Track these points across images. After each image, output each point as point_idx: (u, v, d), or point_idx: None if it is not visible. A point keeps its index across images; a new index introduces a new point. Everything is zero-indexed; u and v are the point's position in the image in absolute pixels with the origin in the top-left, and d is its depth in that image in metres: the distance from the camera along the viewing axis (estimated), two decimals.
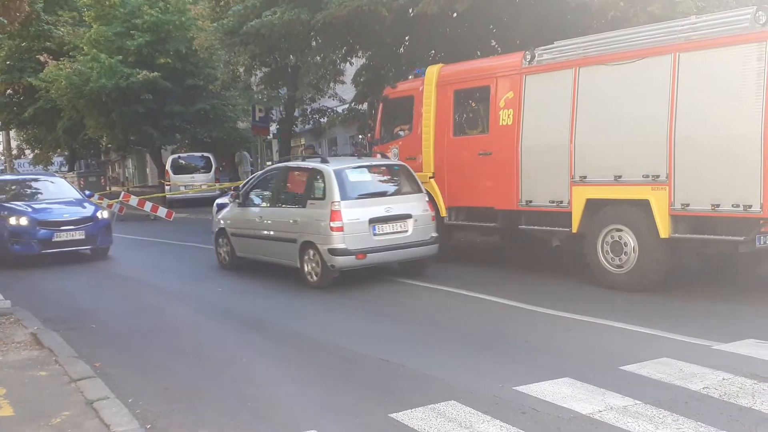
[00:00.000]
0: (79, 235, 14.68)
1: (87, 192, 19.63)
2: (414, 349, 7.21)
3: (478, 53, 16.51)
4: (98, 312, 9.72)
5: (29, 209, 14.81)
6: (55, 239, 14.44)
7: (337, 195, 10.26)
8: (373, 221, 10.30)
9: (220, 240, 12.84)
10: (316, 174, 10.82)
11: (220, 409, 5.71)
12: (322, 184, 10.51)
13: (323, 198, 10.43)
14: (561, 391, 5.71)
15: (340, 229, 10.07)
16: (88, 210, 15.33)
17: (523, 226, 10.95)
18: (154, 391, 6.27)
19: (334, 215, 10.11)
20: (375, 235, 10.32)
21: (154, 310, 9.90)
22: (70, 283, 12.38)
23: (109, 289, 11.86)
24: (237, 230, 12.30)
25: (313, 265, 10.47)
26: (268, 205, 11.89)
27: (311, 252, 10.45)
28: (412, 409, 5.42)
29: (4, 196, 15.62)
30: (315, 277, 10.47)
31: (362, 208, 10.36)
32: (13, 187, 16.53)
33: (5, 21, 11.00)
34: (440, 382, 6.11)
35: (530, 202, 10.64)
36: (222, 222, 12.72)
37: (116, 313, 9.71)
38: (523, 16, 15.00)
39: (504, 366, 6.55)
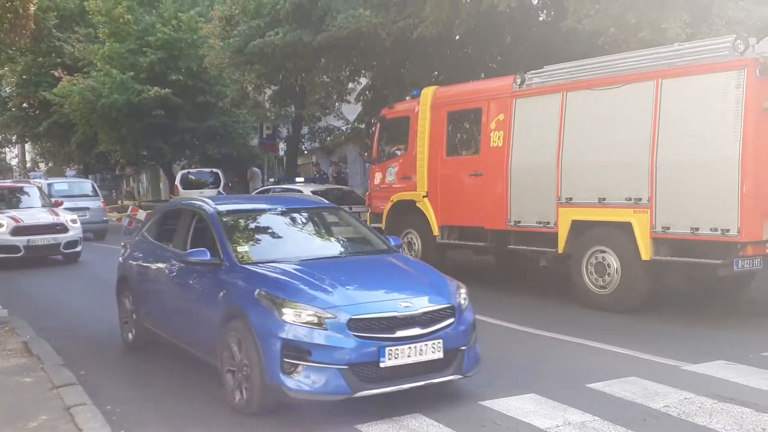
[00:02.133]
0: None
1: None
2: None
3: (482, 75, 16.80)
4: (91, 323, 9.92)
5: None
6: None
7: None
8: None
9: None
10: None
11: (196, 416, 5.90)
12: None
13: None
14: (524, 407, 5.86)
15: None
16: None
17: (512, 246, 11.13)
18: (133, 398, 6.47)
19: None
20: None
21: None
22: (67, 295, 12.63)
23: (105, 300, 12.05)
24: None
25: None
26: None
27: None
28: (377, 422, 5.58)
29: None
30: None
31: None
32: None
33: (12, 38, 11.29)
34: (409, 395, 6.23)
35: (519, 222, 10.81)
36: None
37: (108, 325, 9.90)
38: (522, 40, 15.29)
39: (474, 382, 6.66)
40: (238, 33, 17.29)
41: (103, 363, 7.80)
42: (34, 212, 16.51)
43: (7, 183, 21.34)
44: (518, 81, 10.92)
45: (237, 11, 18.36)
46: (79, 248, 16.43)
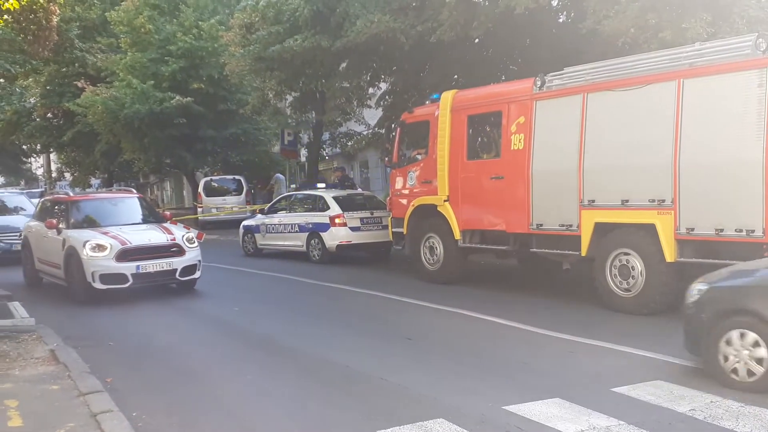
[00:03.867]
0: None
1: None
2: (413, 369, 7.37)
3: (503, 77, 16.77)
4: (116, 330, 10.02)
5: None
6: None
7: None
8: None
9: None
10: None
11: (219, 422, 5.95)
12: None
13: None
14: (548, 411, 5.84)
15: None
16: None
17: (535, 249, 11.09)
18: (158, 405, 6.52)
19: None
20: None
21: (170, 328, 10.20)
22: (91, 302, 12.74)
23: (128, 307, 12.17)
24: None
25: None
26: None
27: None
28: (400, 426, 5.59)
29: None
30: None
31: None
32: None
33: (35, 49, 11.45)
34: (433, 400, 6.27)
35: (541, 225, 10.77)
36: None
37: (133, 331, 10.02)
38: (541, 42, 15.23)
39: (497, 386, 6.68)
40: (258, 39, 17.38)
41: (129, 370, 7.86)
42: (142, 230, 13.05)
43: (104, 193, 17.88)
44: (538, 83, 10.89)
45: (257, 19, 18.44)
46: (197, 274, 12.92)
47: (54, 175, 53.07)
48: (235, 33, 20.24)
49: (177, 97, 26.46)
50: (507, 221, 11.34)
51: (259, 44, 17.25)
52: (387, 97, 20.12)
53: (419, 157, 13.43)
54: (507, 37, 15.50)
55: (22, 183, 50.19)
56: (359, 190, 20.14)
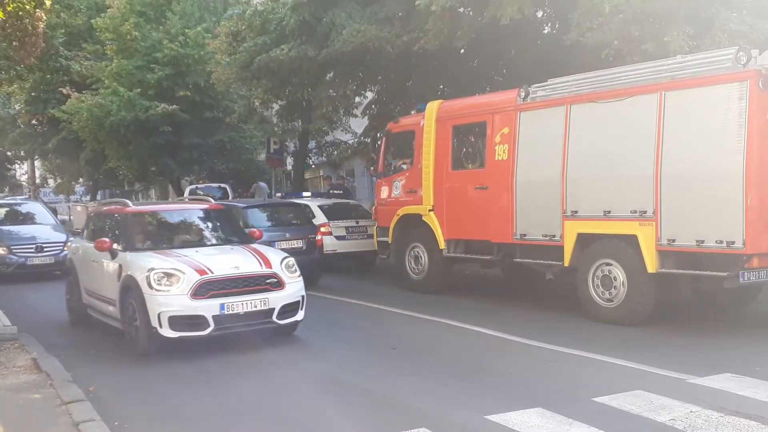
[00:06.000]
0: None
1: None
2: (396, 379, 7.40)
3: (487, 88, 16.86)
4: (99, 338, 9.97)
5: None
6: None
7: None
8: None
9: None
10: None
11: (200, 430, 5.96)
12: None
13: None
14: (529, 421, 5.87)
15: None
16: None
17: (519, 259, 11.15)
18: (140, 414, 6.51)
19: None
20: None
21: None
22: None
23: None
24: None
25: None
26: None
27: None
28: None
29: None
30: None
31: None
32: None
33: (21, 55, 11.40)
34: (415, 410, 6.30)
35: (524, 235, 10.83)
36: None
37: (117, 342, 9.96)
38: (526, 53, 15.34)
39: (480, 396, 6.72)
40: (245, 49, 17.40)
41: (112, 379, 7.83)
42: (225, 253, 9.48)
43: (171, 203, 14.04)
44: (522, 94, 10.98)
45: (243, 27, 18.46)
46: (300, 315, 9.28)
47: (38, 181, 52.73)
48: (222, 41, 20.24)
49: (163, 105, 26.39)
50: (491, 231, 11.40)
51: (246, 54, 17.26)
52: (373, 106, 20.19)
53: (405, 166, 13.48)
54: (492, 48, 15.60)
55: (6, 190, 49.79)
56: (350, 201, 20.04)
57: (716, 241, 8.52)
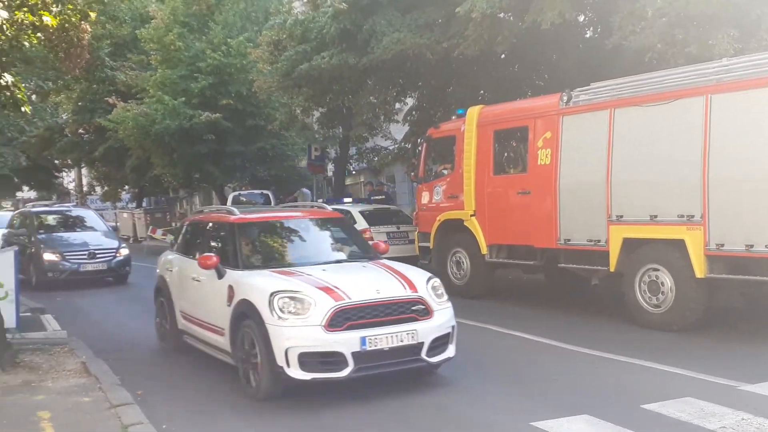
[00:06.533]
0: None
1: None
2: (443, 386, 7.38)
3: (529, 93, 16.78)
4: (146, 342, 10.13)
5: None
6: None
7: None
8: None
9: None
10: None
11: None
12: None
13: None
14: (577, 428, 5.83)
15: None
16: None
17: (563, 264, 11.04)
18: (189, 417, 6.61)
19: None
20: None
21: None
22: (123, 315, 12.92)
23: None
24: None
25: None
26: None
27: None
28: None
29: None
30: None
31: None
32: None
33: (67, 66, 11.61)
34: (462, 417, 6.28)
35: (569, 240, 10.73)
36: None
37: (163, 346, 10.12)
38: (567, 57, 15.23)
39: (526, 402, 6.67)
40: (286, 58, 17.58)
41: (159, 382, 7.96)
42: (359, 272, 7.67)
43: (282, 211, 10.05)
44: (564, 98, 10.90)
45: (284, 36, 18.65)
46: (451, 350, 7.37)
47: (85, 189, 53.82)
48: (263, 50, 20.47)
49: (206, 114, 26.78)
50: (534, 236, 11.31)
51: (287, 63, 17.44)
52: (413, 112, 20.22)
53: (445, 171, 13.47)
54: (533, 53, 15.54)
55: (54, 197, 50.90)
56: (391, 206, 20.05)
57: (766, 246, 8.34)
